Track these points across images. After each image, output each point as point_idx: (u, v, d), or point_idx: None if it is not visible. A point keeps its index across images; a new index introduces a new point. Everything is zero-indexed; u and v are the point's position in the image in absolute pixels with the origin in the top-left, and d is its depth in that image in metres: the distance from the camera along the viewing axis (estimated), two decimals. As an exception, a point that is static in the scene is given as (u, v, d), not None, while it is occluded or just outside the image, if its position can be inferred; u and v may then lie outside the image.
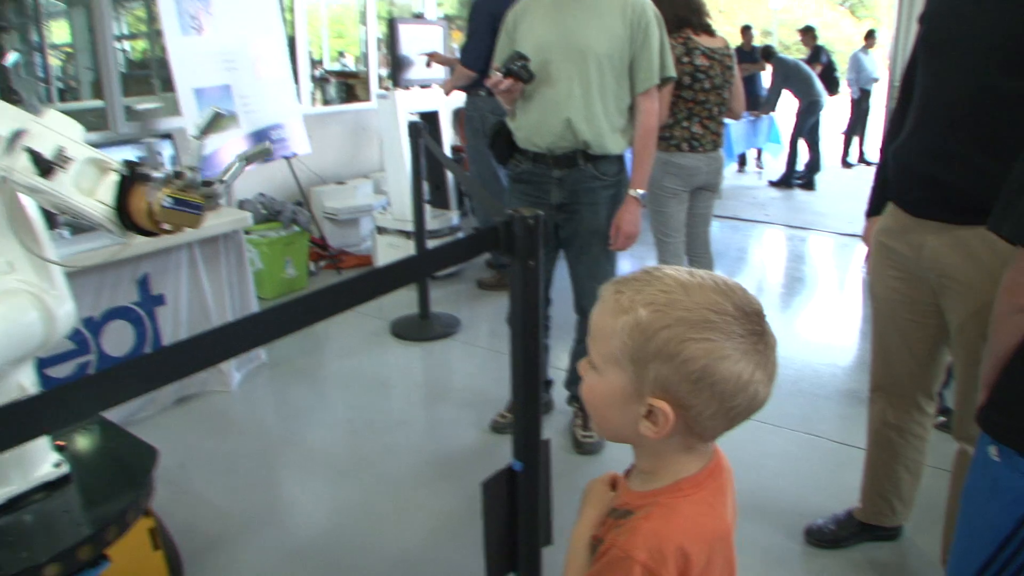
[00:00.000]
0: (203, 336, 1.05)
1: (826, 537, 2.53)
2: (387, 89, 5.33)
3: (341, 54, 9.25)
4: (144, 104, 6.05)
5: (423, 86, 5.48)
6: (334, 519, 2.69)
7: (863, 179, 9.39)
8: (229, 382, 3.60)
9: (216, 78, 4.61)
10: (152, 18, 7.63)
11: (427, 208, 4.73)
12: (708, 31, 3.62)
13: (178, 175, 1.28)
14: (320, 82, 7.37)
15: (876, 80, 10.46)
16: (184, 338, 1.03)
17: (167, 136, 3.61)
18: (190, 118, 4.33)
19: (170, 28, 4.35)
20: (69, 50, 7.43)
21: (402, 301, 4.44)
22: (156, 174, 1.25)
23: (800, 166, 9.29)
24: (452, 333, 4.36)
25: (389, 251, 5.27)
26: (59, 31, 7.33)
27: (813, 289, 5.43)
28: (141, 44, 7.66)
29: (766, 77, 9.86)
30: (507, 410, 3.23)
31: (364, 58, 8.02)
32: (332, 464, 3.06)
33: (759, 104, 9.20)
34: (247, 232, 4.27)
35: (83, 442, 1.79)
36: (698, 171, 3.66)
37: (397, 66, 5.33)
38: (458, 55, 5.66)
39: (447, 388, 3.85)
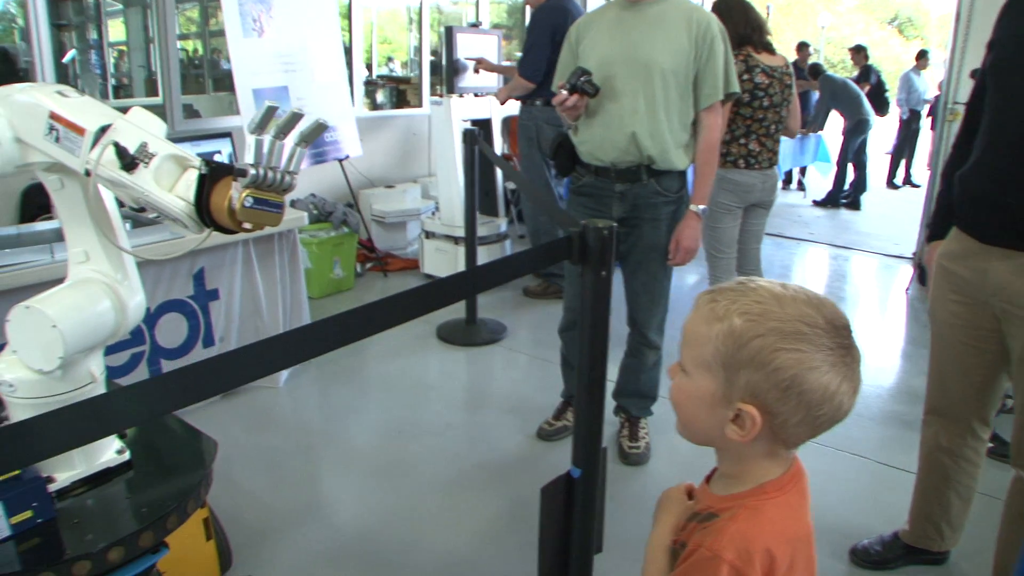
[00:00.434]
0: (265, 343, 1.09)
1: (872, 558, 2.51)
2: (441, 96, 5.36)
3: (389, 59, 9.33)
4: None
5: (477, 94, 5.51)
6: (378, 518, 2.71)
7: (909, 201, 9.27)
8: (277, 379, 3.65)
9: (274, 79, 4.69)
10: (206, 19, 7.78)
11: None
12: (768, 49, 3.61)
13: (261, 175, 1.30)
14: (372, 87, 7.44)
15: (927, 101, 10.32)
16: (247, 344, 1.05)
17: (226, 135, 3.68)
18: (248, 117, 4.40)
19: (232, 30, 4.42)
20: (123, 48, 7.59)
21: (449, 306, 4.45)
22: (250, 171, 1.26)
23: (846, 186, 9.19)
24: (498, 339, 4.37)
25: (436, 256, 5.31)
26: (114, 30, 7.48)
27: (856, 309, 5.35)
28: (190, 44, 7.78)
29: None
30: (553, 418, 3.24)
31: (413, 64, 8.10)
32: (375, 464, 3.08)
33: (806, 122, 9.13)
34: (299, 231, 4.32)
35: (145, 430, 1.82)
36: (753, 188, 3.65)
37: (452, 73, 5.37)
38: (505, 63, 5.71)
39: (491, 394, 3.86)
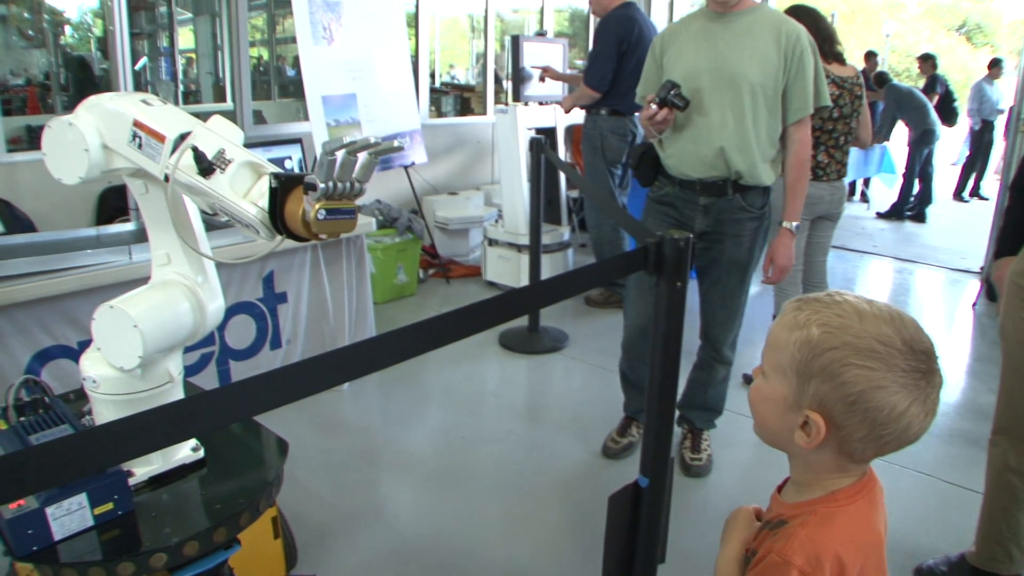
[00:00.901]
0: (337, 354, 1.12)
1: (937, 579, 2.45)
2: (506, 104, 5.39)
3: (452, 67, 9.42)
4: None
5: (541, 102, 5.53)
6: (439, 523, 2.73)
7: (977, 214, 9.03)
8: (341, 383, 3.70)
9: (343, 87, 4.76)
10: (272, 26, 7.94)
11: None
12: (839, 59, 3.56)
13: (334, 184, 1.32)
14: (437, 94, 7.52)
15: (1001, 112, 10.04)
16: (319, 354, 1.08)
17: (296, 141, 3.75)
18: (317, 123, 4.48)
19: (303, 37, 4.51)
20: (192, 55, 7.79)
21: (511, 314, 4.47)
22: (320, 184, 1.28)
23: (911, 198, 8.99)
24: (560, 348, 4.38)
25: (499, 263, 5.33)
26: (183, 38, 7.68)
27: (921, 324, 5.22)
28: (256, 51, 7.94)
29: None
30: (618, 434, 3.20)
31: (476, 71, 8.16)
32: (436, 469, 3.10)
33: (873, 133, 8.93)
34: (364, 237, 4.39)
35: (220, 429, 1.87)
36: (821, 200, 3.60)
37: (518, 82, 5.40)
38: (571, 71, 5.72)
39: (552, 402, 3.86)
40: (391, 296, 5.12)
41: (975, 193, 10.57)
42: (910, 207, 8.99)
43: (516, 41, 5.36)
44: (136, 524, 1.45)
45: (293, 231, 1.36)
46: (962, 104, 10.48)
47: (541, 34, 7.05)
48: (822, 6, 3.84)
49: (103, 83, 5.47)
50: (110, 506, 1.42)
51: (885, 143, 8.96)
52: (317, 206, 1.29)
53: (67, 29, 6.88)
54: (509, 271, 5.28)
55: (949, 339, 5.02)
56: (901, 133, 9.27)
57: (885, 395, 0.96)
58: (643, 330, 2.97)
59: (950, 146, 11.83)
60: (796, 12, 3.59)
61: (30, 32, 6.42)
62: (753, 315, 4.65)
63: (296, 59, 5.98)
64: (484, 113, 7.27)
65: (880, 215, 9.09)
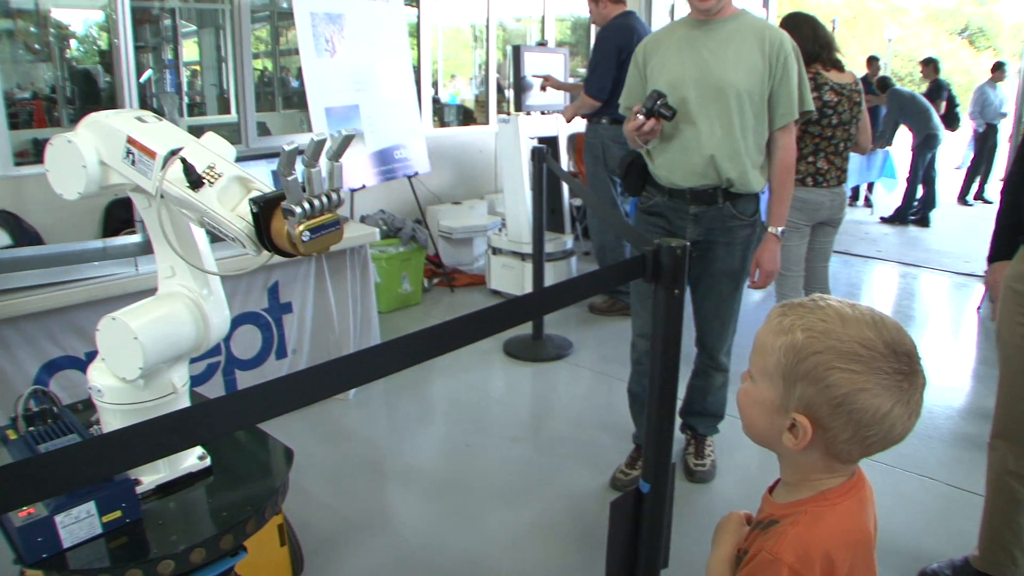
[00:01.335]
0: (342, 361, 1.13)
1: (942, 583, 2.46)
2: (508, 114, 5.42)
3: (453, 77, 9.45)
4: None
5: (543, 112, 5.56)
6: (444, 530, 2.74)
7: (981, 218, 9.01)
8: (346, 391, 3.71)
9: (345, 98, 4.80)
10: (276, 38, 7.99)
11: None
12: (838, 66, 3.58)
13: (311, 204, 1.32)
14: (439, 104, 7.56)
15: (1004, 115, 10.03)
16: (324, 361, 1.10)
17: (300, 152, 3.77)
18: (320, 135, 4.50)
19: (306, 49, 4.54)
20: (196, 68, 7.84)
21: (515, 321, 4.49)
22: (296, 209, 1.29)
23: (915, 202, 8.98)
24: (564, 355, 4.39)
25: (503, 272, 5.35)
26: (187, 50, 7.72)
27: (926, 328, 5.23)
28: (260, 63, 7.99)
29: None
30: (627, 466, 3.09)
31: (476, 81, 8.19)
32: (442, 477, 3.12)
33: (874, 138, 8.91)
34: (368, 247, 4.41)
35: (225, 437, 1.89)
36: (821, 206, 3.61)
37: (519, 91, 5.43)
38: (572, 80, 5.74)
39: (557, 410, 3.88)
40: (396, 305, 5.14)
41: (979, 197, 10.55)
42: (914, 211, 8.98)
43: (517, 51, 5.39)
44: (144, 532, 1.47)
45: (281, 248, 1.38)
46: (963, 108, 10.47)
47: (542, 44, 7.09)
48: (824, 11, 3.88)
49: (108, 96, 5.51)
50: (118, 514, 1.44)
51: (887, 148, 8.96)
52: (300, 228, 1.30)
53: (72, 43, 6.93)
54: (513, 280, 5.30)
55: (953, 343, 5.02)
56: (903, 138, 9.26)
57: (868, 397, 0.98)
58: (648, 343, 2.93)
59: (953, 150, 11.80)
60: (794, 20, 3.61)
61: (36, 46, 6.47)
62: (755, 322, 4.66)
63: (299, 71, 6.03)
64: (485, 122, 7.30)
65: (884, 220, 9.08)
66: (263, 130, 5.88)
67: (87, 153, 1.50)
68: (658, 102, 2.52)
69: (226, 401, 1.02)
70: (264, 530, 1.69)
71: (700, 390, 3.09)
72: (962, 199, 10.47)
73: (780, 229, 2.75)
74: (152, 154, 1.44)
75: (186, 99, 7.68)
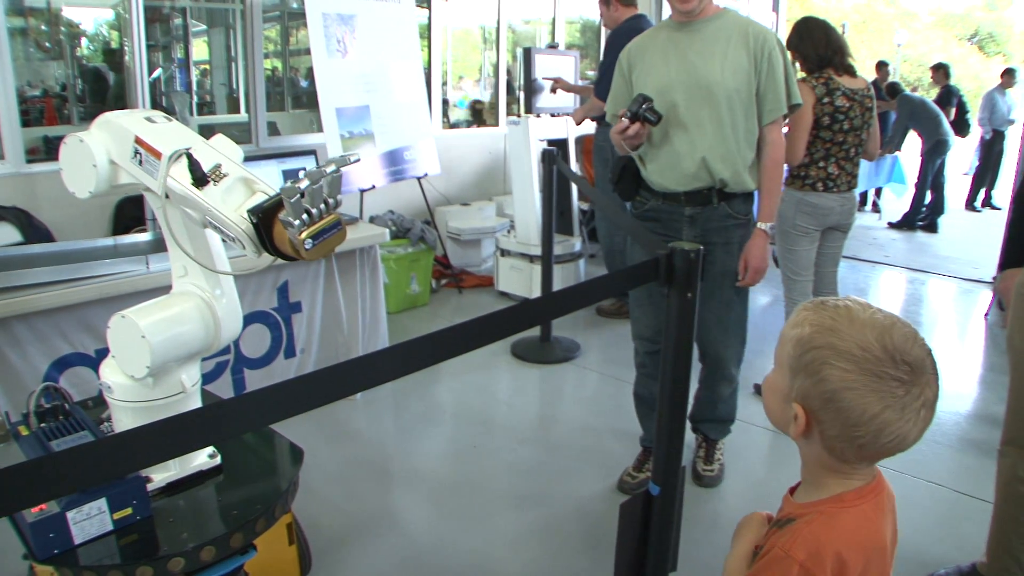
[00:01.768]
0: (352, 364, 1.15)
1: (950, 590, 2.45)
2: (518, 116, 5.42)
3: (461, 78, 9.46)
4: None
5: (553, 114, 5.56)
6: (451, 531, 2.74)
7: (989, 224, 8.99)
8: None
9: (356, 99, 4.80)
10: (285, 38, 8.01)
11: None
12: (850, 71, 3.56)
13: (308, 213, 1.32)
14: (449, 106, 7.57)
15: (1012, 122, 9.97)
16: (335, 364, 1.10)
17: (311, 152, 3.78)
18: (331, 135, 4.52)
19: (317, 50, 4.55)
20: (206, 67, 7.86)
21: (523, 324, 4.48)
22: (295, 222, 1.29)
23: (923, 208, 8.95)
24: (572, 357, 4.39)
25: (511, 274, 5.35)
26: (197, 50, 7.75)
27: (933, 334, 5.20)
28: (269, 63, 8.01)
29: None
30: (635, 469, 3.07)
31: (485, 83, 8.20)
32: (449, 478, 3.12)
33: (883, 143, 8.89)
34: (377, 248, 4.42)
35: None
36: (831, 211, 3.60)
37: (530, 94, 5.43)
38: (582, 83, 5.74)
39: (564, 412, 3.87)
40: (404, 306, 5.14)
41: (987, 203, 10.52)
42: (922, 217, 8.96)
43: (528, 53, 5.39)
44: (154, 529, 1.48)
45: (284, 252, 1.38)
46: (974, 114, 10.43)
47: (553, 46, 7.09)
48: (833, 16, 3.86)
49: (118, 94, 5.53)
50: (129, 511, 1.45)
51: (896, 153, 8.94)
52: (302, 236, 1.31)
53: (83, 41, 6.96)
54: (521, 281, 5.30)
55: (961, 349, 5.01)
56: (912, 143, 9.24)
57: (855, 396, 1.01)
58: (650, 344, 2.91)
59: (962, 156, 11.76)
60: (807, 24, 3.60)
61: (47, 44, 6.50)
62: (764, 326, 4.65)
63: (309, 71, 6.04)
64: (495, 124, 7.31)
65: (892, 225, 9.06)
66: (273, 130, 5.89)
67: (97, 152, 1.51)
68: (643, 106, 2.49)
69: (238, 402, 1.03)
70: (273, 529, 1.70)
71: (709, 401, 3.04)
72: (970, 205, 10.43)
73: (769, 225, 2.72)
74: (158, 154, 1.44)
75: (195, 98, 7.71)
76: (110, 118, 1.53)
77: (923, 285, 6.56)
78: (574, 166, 5.97)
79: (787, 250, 3.70)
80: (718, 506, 2.94)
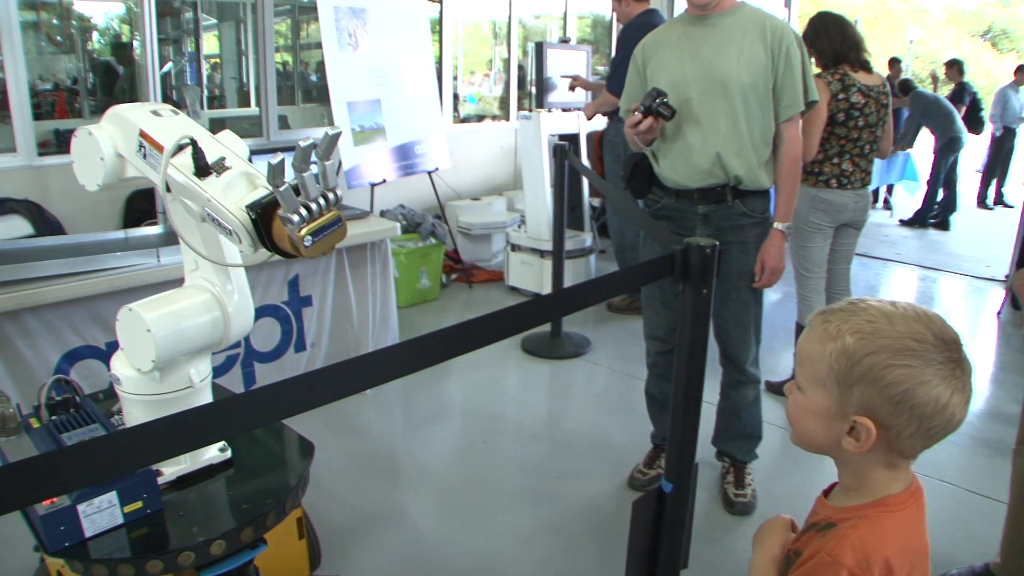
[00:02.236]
0: (364, 359, 1.14)
1: (962, 590, 2.43)
2: (529, 110, 5.41)
3: (472, 73, 9.44)
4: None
5: (565, 109, 5.55)
6: (459, 526, 2.74)
7: (1001, 222, 8.93)
8: (365, 386, 3.71)
9: (367, 93, 4.80)
10: (296, 32, 8.01)
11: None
12: (866, 68, 3.53)
13: (308, 209, 1.30)
14: (460, 100, 7.56)
15: (1023, 120, 9.89)
16: (346, 359, 1.09)
17: (314, 147, 3.78)
18: (342, 129, 4.51)
19: (329, 44, 4.55)
20: (216, 61, 7.87)
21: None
22: (293, 217, 1.28)
23: (935, 205, 8.90)
24: (582, 353, 4.38)
25: (521, 268, 5.34)
26: (207, 43, 7.76)
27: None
28: (280, 57, 8.01)
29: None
30: (645, 466, 3.03)
31: (494, 78, 8.18)
32: (458, 473, 3.11)
33: (896, 140, 8.83)
34: (387, 242, 4.41)
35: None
36: (845, 208, 3.58)
37: (542, 89, 5.41)
38: (593, 78, 5.72)
39: (574, 407, 3.87)
40: (414, 300, 5.14)
41: (999, 200, 10.44)
42: (934, 215, 8.90)
43: (540, 48, 5.38)
44: (164, 523, 1.47)
45: (283, 250, 1.37)
46: (987, 111, 10.34)
47: (565, 41, 7.06)
48: (845, 12, 3.83)
49: (128, 88, 5.53)
50: (139, 504, 1.45)
51: (909, 150, 8.89)
52: (301, 233, 1.29)
53: (94, 35, 6.98)
54: (532, 276, 5.29)
55: (973, 348, 4.97)
56: (925, 140, 9.18)
57: (928, 389, 0.99)
58: (662, 344, 2.86)
59: (975, 152, 11.67)
60: (822, 20, 3.57)
61: (59, 38, 6.51)
62: (776, 323, 4.63)
63: (320, 64, 6.03)
64: (507, 119, 7.29)
65: (904, 223, 9.01)
66: (283, 123, 5.89)
67: (105, 146, 1.52)
68: (657, 100, 2.44)
69: (248, 398, 1.02)
70: (283, 523, 1.70)
71: (733, 411, 2.92)
72: (982, 203, 10.36)
73: (786, 225, 2.64)
74: (160, 148, 1.44)
75: (206, 92, 7.72)
76: (118, 111, 1.53)
77: (935, 283, 6.53)
78: (585, 161, 5.96)
79: (800, 247, 3.67)
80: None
